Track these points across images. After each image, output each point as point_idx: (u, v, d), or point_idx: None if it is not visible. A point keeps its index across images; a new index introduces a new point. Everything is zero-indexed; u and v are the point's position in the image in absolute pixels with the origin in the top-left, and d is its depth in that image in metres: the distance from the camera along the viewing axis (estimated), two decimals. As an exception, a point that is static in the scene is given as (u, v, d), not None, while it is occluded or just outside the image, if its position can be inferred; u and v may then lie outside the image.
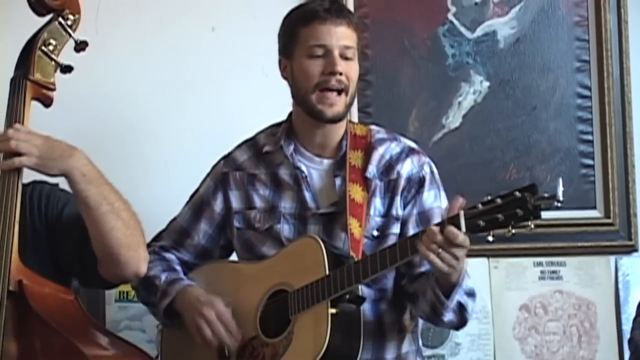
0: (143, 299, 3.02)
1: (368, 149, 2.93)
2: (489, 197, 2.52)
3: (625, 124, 3.65)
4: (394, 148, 2.95)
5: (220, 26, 3.68)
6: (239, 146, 3.05)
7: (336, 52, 2.83)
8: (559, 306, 3.64)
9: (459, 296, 2.70)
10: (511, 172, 3.67)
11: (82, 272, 2.69)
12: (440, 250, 2.54)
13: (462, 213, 2.53)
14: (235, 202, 2.98)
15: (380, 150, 2.93)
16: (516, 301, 3.64)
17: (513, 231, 2.49)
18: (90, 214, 2.55)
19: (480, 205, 2.52)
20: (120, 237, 2.55)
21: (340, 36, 2.83)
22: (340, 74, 2.83)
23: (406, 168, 2.91)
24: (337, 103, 2.85)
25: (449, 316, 2.75)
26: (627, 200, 3.65)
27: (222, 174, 3.01)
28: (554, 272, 3.65)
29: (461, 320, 2.79)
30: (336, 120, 2.88)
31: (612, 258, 3.66)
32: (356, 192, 2.86)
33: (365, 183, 2.89)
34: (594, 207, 3.64)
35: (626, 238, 3.66)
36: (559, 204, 2.43)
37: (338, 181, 2.90)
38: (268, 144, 2.98)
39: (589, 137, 3.67)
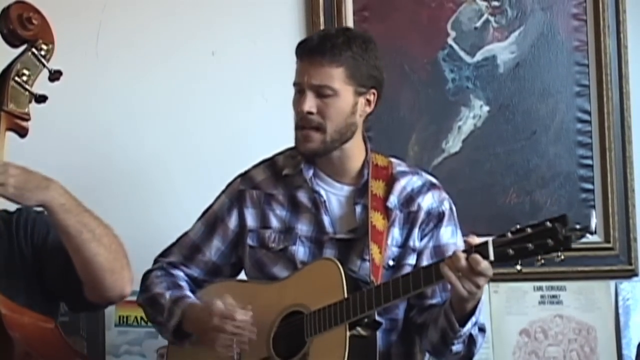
0: (150, 317, 3.00)
1: (390, 180, 2.93)
2: (518, 226, 2.52)
3: (625, 148, 3.65)
4: (415, 181, 2.95)
5: (220, 51, 3.68)
6: (256, 165, 3.04)
7: (308, 91, 2.82)
8: (559, 331, 3.64)
9: (471, 326, 2.69)
10: (511, 196, 3.67)
11: (68, 296, 2.70)
12: (461, 275, 2.55)
13: (490, 241, 2.54)
14: (251, 220, 2.97)
15: (402, 182, 2.93)
16: (516, 326, 3.63)
17: (542, 261, 2.50)
18: (71, 243, 2.56)
19: (509, 234, 2.53)
20: (103, 263, 2.57)
21: (313, 74, 2.81)
22: (309, 113, 2.82)
23: (427, 202, 2.91)
24: (310, 138, 2.85)
25: (457, 347, 2.74)
26: (627, 225, 3.64)
27: (239, 192, 3.00)
28: (554, 296, 3.64)
29: (468, 353, 2.79)
30: (312, 156, 2.89)
31: (612, 283, 3.65)
32: (377, 220, 2.85)
33: (386, 212, 2.88)
34: (594, 232, 3.63)
35: (626, 262, 3.65)
36: (591, 236, 2.44)
37: (358, 208, 2.89)
38: (287, 167, 2.96)
39: (589, 162, 3.66)
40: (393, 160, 3.00)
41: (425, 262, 2.87)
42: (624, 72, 3.65)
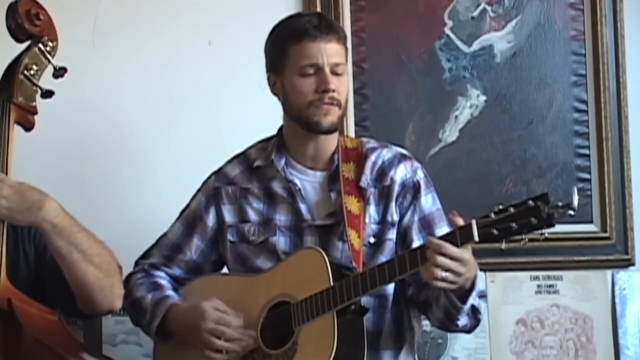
0: (134, 321, 3.03)
1: (360, 160, 2.94)
2: (501, 207, 2.53)
3: (621, 137, 3.65)
4: (385, 154, 2.96)
5: (217, 40, 3.68)
6: (229, 161, 3.06)
7: (327, 70, 2.84)
8: (555, 320, 3.64)
9: (472, 300, 2.71)
10: (507, 186, 3.67)
11: (62, 304, 2.71)
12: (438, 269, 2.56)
13: (474, 222, 2.55)
14: (229, 216, 2.99)
15: (372, 157, 2.95)
16: (513, 315, 3.64)
17: (527, 240, 2.51)
18: (62, 262, 2.59)
19: (492, 215, 2.54)
20: (93, 282, 2.60)
21: (330, 53, 2.85)
22: (333, 90, 2.84)
23: (400, 173, 2.93)
24: (332, 112, 2.86)
25: (463, 320, 2.76)
26: (623, 214, 3.65)
27: (214, 189, 3.02)
28: (550, 286, 3.64)
29: (475, 322, 2.81)
30: (331, 130, 2.89)
31: (608, 272, 3.65)
32: (352, 204, 2.87)
33: (360, 193, 2.90)
34: (591, 221, 3.64)
35: (623, 252, 3.65)
36: (573, 213, 2.45)
37: (333, 194, 2.91)
38: (259, 159, 2.99)
39: (586, 151, 3.67)
40: (363, 139, 3.04)
41: (415, 236, 2.89)
42: (620, 61, 3.65)
